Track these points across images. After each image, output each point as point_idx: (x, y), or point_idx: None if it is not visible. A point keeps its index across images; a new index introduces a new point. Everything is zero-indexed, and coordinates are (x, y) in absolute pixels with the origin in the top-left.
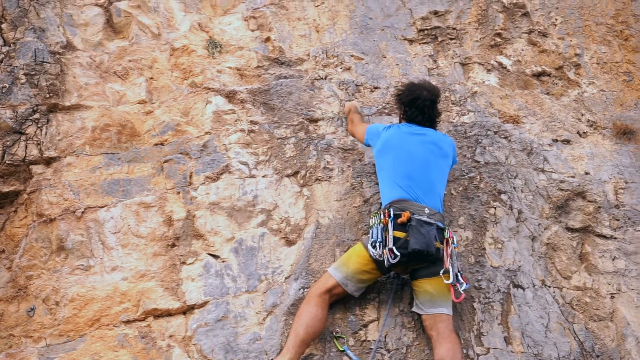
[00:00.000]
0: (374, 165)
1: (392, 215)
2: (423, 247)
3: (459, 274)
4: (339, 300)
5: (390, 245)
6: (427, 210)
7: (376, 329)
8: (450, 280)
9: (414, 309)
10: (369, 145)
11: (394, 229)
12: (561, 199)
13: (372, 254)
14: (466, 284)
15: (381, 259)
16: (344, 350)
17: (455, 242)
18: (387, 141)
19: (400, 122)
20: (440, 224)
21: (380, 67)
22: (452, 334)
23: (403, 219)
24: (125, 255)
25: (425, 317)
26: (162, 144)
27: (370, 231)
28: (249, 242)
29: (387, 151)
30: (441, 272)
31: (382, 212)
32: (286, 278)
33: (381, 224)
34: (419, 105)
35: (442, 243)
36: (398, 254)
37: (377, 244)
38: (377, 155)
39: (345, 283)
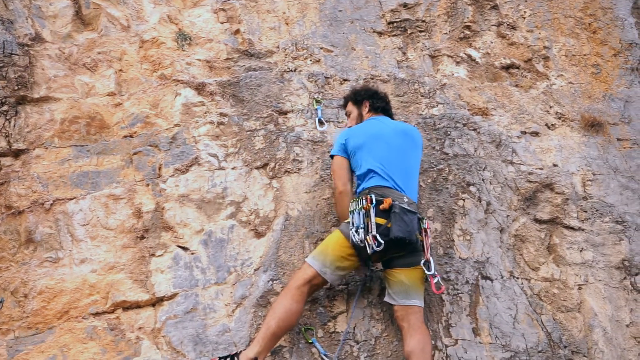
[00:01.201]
0: None
1: (373, 201)
2: (406, 234)
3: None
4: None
5: (374, 231)
6: (405, 199)
7: (345, 320)
8: (432, 272)
9: (386, 298)
10: (347, 153)
11: (376, 215)
12: (529, 190)
13: (355, 239)
14: (438, 276)
15: (362, 244)
16: (312, 342)
17: (430, 235)
18: (362, 134)
19: (360, 121)
20: (418, 215)
21: (350, 60)
22: (422, 325)
23: (385, 205)
24: (94, 247)
25: (398, 308)
26: (131, 136)
27: (351, 216)
28: (218, 234)
29: (367, 143)
30: (422, 262)
31: (363, 197)
32: (255, 270)
33: (362, 210)
34: (381, 95)
35: (420, 234)
36: (382, 241)
37: (360, 229)
38: (356, 151)
39: (324, 271)
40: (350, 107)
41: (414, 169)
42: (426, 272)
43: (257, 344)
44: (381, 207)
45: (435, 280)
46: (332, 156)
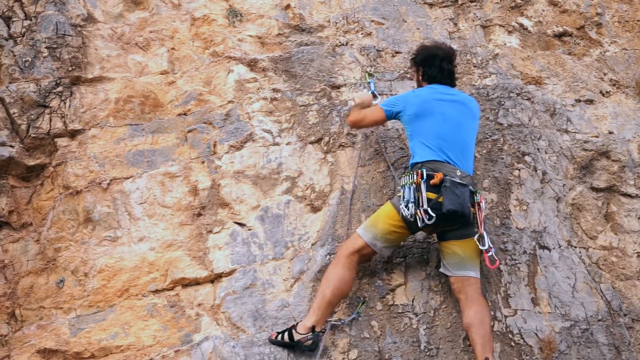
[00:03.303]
0: (397, 130)
1: (424, 175)
2: (458, 207)
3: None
4: (365, 266)
5: (425, 205)
6: (459, 173)
7: (403, 293)
8: (486, 247)
9: (442, 269)
10: (392, 117)
11: (427, 190)
12: (585, 159)
13: (404, 214)
14: (493, 249)
15: (413, 219)
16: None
17: (484, 207)
18: (421, 104)
19: (420, 86)
20: (471, 187)
21: (401, 32)
22: (480, 297)
23: (436, 180)
24: (152, 225)
25: (454, 280)
26: (185, 114)
27: (402, 190)
28: (274, 210)
29: (421, 114)
30: (475, 237)
31: (414, 172)
32: (312, 244)
33: (413, 184)
34: (436, 63)
35: (473, 207)
36: (434, 215)
37: (410, 204)
38: (411, 121)
39: (374, 243)
40: (411, 67)
41: (470, 142)
42: (480, 246)
43: (313, 313)
44: (432, 182)
45: (490, 254)
46: (380, 106)
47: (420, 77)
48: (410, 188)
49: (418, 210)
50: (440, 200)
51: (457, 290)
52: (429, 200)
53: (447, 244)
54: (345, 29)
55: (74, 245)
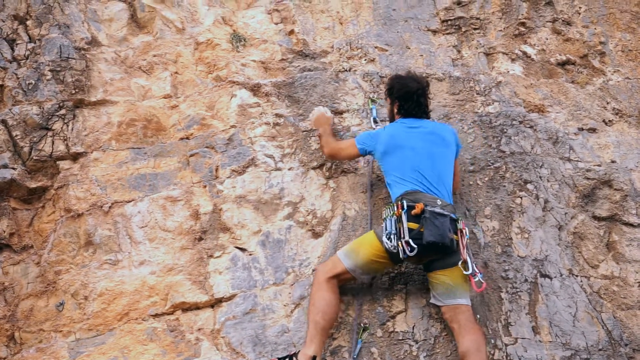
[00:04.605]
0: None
1: (405, 206)
2: (438, 239)
3: (474, 265)
4: (367, 292)
5: (406, 237)
6: (439, 202)
7: (404, 320)
8: (470, 271)
9: (432, 300)
10: (366, 154)
11: (408, 220)
12: (587, 187)
13: (387, 246)
14: (480, 273)
15: (395, 251)
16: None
17: (467, 234)
18: (389, 141)
19: (393, 119)
20: (453, 215)
21: (405, 58)
22: (474, 325)
23: (417, 210)
24: (152, 249)
25: (445, 310)
26: (187, 138)
27: (384, 223)
28: (275, 235)
29: (391, 151)
30: (459, 263)
31: (395, 204)
32: (313, 270)
33: (394, 216)
34: (414, 98)
35: (456, 234)
36: (415, 246)
37: (392, 236)
38: (382, 158)
39: (354, 270)
40: (386, 98)
41: (446, 170)
42: (464, 272)
43: (311, 342)
44: (413, 212)
45: (476, 279)
46: (354, 142)
47: (396, 110)
48: (391, 220)
49: (400, 242)
50: (422, 230)
51: (449, 319)
52: (410, 230)
53: (434, 275)
54: (349, 54)
55: (75, 268)
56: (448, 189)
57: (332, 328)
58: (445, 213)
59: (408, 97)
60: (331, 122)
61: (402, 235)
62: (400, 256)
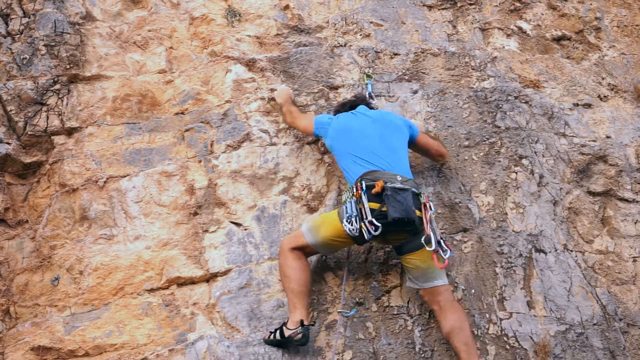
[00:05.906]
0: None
1: (364, 187)
2: (403, 214)
3: (441, 241)
4: (362, 267)
5: (369, 217)
6: (399, 177)
7: (399, 294)
8: (433, 247)
9: (409, 284)
10: (318, 136)
11: (369, 200)
12: (582, 163)
13: (348, 230)
14: (450, 251)
15: (358, 234)
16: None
17: (432, 208)
18: (338, 126)
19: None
20: (415, 190)
21: (400, 34)
22: (454, 303)
23: (377, 188)
24: (148, 224)
25: (423, 292)
26: (182, 113)
27: (344, 207)
28: (271, 210)
29: (341, 136)
30: (422, 239)
31: (353, 186)
32: None
33: (354, 198)
34: (347, 104)
35: (419, 209)
36: (379, 225)
37: (354, 218)
38: (333, 144)
39: (316, 246)
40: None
41: (400, 147)
42: (427, 249)
43: (294, 309)
44: (373, 191)
45: (446, 255)
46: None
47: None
48: (351, 202)
49: (362, 223)
50: (384, 209)
51: (429, 302)
52: (372, 210)
53: (406, 258)
54: (344, 30)
55: (70, 243)
56: (405, 165)
57: (312, 295)
58: (407, 187)
59: (342, 107)
60: (292, 97)
61: (365, 216)
62: (365, 237)
